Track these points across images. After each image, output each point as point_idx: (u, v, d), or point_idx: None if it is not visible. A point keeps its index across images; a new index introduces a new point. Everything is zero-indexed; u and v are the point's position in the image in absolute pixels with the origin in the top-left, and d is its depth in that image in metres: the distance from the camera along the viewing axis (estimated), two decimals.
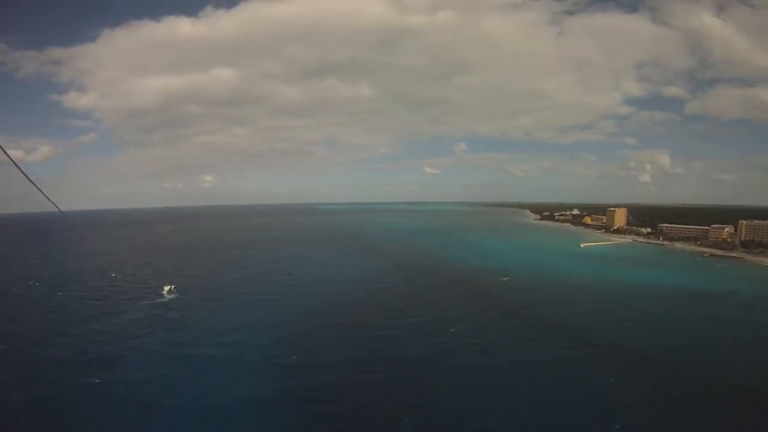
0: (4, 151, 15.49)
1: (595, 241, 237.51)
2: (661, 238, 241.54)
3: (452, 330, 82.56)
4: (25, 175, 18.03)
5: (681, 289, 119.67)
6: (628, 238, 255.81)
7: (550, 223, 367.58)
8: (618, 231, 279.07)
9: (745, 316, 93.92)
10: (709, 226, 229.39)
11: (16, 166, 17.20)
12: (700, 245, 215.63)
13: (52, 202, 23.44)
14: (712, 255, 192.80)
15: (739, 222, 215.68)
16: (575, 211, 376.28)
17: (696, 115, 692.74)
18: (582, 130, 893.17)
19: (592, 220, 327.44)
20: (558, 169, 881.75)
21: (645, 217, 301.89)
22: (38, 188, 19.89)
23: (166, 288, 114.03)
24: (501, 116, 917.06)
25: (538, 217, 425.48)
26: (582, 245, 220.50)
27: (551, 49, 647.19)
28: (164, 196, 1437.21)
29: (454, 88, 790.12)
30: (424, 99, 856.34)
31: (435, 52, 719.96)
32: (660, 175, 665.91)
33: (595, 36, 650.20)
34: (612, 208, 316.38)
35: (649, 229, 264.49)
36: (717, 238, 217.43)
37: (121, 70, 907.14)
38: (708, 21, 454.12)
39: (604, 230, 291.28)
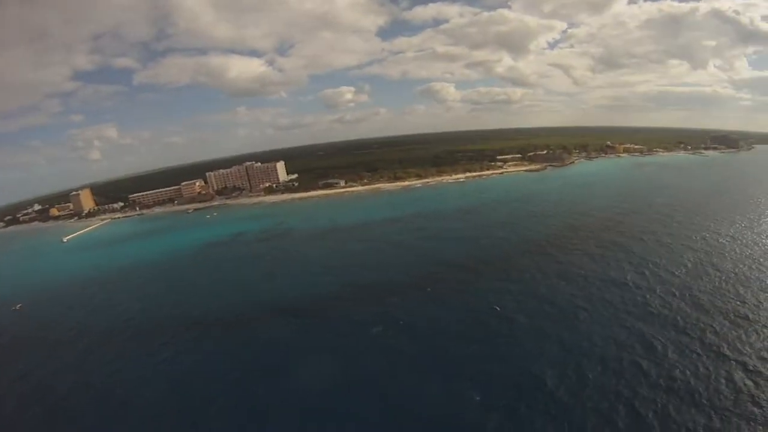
0: None
1: (77, 231, 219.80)
2: (138, 209, 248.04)
3: None
4: None
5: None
6: (106, 218, 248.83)
7: (17, 228, 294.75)
8: (91, 214, 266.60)
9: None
10: (179, 185, 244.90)
11: None
12: (178, 204, 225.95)
13: None
14: (197, 209, 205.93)
15: (207, 174, 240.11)
16: (37, 207, 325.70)
17: (144, 84, 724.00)
18: (27, 113, 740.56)
19: (60, 211, 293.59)
20: (4, 163, 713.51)
21: (109, 193, 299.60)
22: None
23: None
24: None
25: (2, 224, 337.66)
26: (65, 239, 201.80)
27: None
28: None
29: None
30: None
31: None
32: (109, 149, 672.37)
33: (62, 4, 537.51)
34: (75, 193, 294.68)
35: (122, 204, 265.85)
36: (191, 193, 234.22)
37: None
38: None
39: (76, 218, 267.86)
